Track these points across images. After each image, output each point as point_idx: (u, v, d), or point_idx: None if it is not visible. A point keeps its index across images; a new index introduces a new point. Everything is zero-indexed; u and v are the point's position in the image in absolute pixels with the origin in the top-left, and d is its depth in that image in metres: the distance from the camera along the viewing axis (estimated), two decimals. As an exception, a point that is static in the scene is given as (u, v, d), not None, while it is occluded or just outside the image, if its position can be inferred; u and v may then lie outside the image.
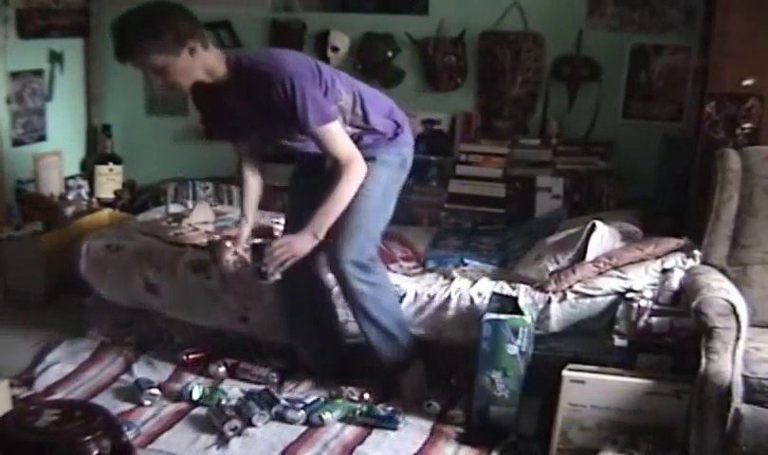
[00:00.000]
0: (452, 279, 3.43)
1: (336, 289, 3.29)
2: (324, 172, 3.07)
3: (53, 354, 3.57)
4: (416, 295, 3.35)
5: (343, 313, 3.35)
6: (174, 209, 4.24)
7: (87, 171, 4.78)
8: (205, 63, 2.86)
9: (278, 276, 2.99)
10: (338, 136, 2.94)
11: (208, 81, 2.90)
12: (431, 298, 3.34)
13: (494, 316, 3.01)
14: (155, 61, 2.77)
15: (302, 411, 3.09)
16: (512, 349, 2.99)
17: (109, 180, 4.73)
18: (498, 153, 4.27)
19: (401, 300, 3.34)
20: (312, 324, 3.35)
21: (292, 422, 3.07)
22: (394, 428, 3.05)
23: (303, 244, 2.97)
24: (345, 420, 3.11)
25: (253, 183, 3.30)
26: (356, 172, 2.95)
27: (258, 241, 3.11)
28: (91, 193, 4.70)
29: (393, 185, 3.21)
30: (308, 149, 3.06)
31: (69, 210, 4.36)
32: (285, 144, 3.14)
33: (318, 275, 3.29)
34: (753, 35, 3.35)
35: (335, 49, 4.46)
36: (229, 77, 2.91)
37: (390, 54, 4.42)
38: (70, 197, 4.56)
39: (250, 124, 3.07)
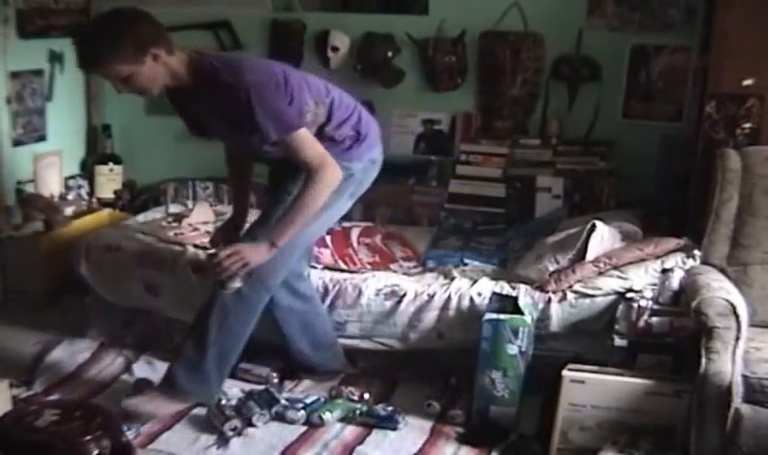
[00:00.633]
0: (452, 279, 3.44)
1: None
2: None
3: (53, 354, 3.56)
4: (416, 295, 3.36)
5: (344, 314, 3.36)
6: (174, 209, 4.24)
7: (87, 171, 4.78)
8: (170, 67, 2.80)
9: (237, 285, 2.90)
10: (305, 143, 2.85)
11: (174, 85, 2.86)
12: (431, 297, 3.34)
13: (494, 316, 3.01)
14: (118, 71, 2.72)
15: (302, 411, 3.09)
16: (512, 349, 2.99)
17: (109, 180, 4.73)
18: (498, 153, 4.27)
19: (401, 300, 3.35)
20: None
21: (292, 422, 3.07)
22: (394, 428, 3.05)
23: (258, 253, 2.89)
24: (345, 420, 3.11)
25: (239, 184, 3.28)
26: (324, 178, 2.86)
27: (213, 251, 3.05)
28: (91, 193, 4.70)
29: (332, 195, 2.98)
30: (280, 154, 2.97)
31: (69, 210, 4.36)
32: (256, 150, 3.09)
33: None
34: (753, 35, 3.35)
35: (335, 49, 4.46)
36: (192, 81, 2.86)
37: (390, 54, 4.41)
38: (70, 197, 4.56)
39: (216, 130, 3.03)
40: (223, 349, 3.09)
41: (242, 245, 2.92)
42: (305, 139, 2.86)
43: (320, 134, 3.00)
